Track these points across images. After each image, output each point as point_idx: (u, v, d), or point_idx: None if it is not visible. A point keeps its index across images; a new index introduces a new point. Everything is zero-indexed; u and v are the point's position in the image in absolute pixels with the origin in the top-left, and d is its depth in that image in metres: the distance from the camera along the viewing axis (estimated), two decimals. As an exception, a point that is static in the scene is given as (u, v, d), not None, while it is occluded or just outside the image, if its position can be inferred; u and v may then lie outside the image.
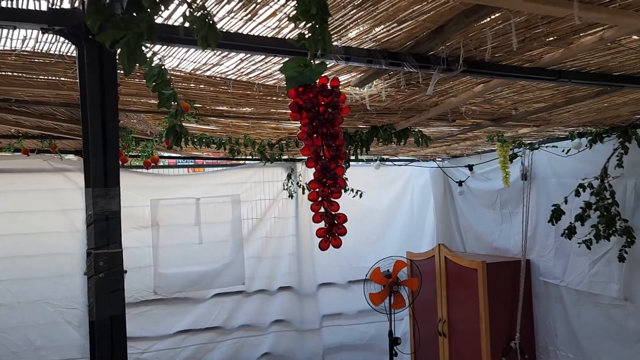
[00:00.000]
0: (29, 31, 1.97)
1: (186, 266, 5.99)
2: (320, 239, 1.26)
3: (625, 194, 4.30)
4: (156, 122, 3.68)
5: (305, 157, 1.27)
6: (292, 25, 1.83)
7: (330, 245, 1.26)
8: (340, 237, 1.25)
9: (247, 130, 4.07)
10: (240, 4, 1.73)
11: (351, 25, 1.86)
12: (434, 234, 6.77)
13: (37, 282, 5.39)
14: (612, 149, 4.35)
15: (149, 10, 1.35)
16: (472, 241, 6.34)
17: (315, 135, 1.24)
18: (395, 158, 6.49)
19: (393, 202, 6.91)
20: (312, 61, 1.19)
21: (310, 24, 1.20)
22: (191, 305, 6.08)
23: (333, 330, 6.56)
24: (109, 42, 1.33)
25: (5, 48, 2.17)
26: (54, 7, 1.68)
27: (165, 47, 2.17)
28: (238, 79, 2.57)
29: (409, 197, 7.01)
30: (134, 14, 1.36)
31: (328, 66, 2.37)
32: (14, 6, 1.69)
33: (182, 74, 2.52)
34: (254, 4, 1.73)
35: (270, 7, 1.75)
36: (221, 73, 2.50)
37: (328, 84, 1.25)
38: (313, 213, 1.27)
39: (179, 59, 2.33)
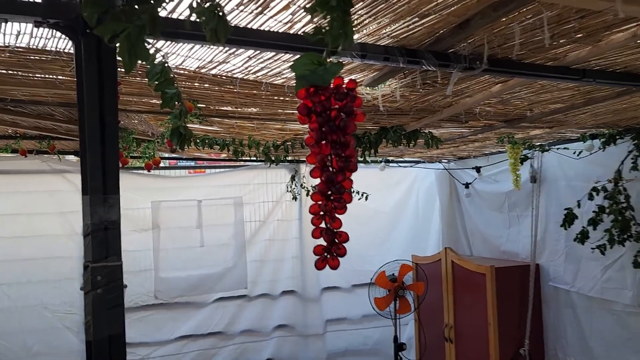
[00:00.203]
0: (23, 25, 1.85)
1: (187, 270, 5.88)
2: (317, 257, 1.13)
3: (640, 198, 4.18)
4: (158, 122, 3.56)
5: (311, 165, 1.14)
6: (307, 18, 1.70)
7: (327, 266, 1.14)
8: (339, 257, 1.13)
9: (251, 131, 3.95)
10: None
11: (368, 19, 1.74)
12: (439, 237, 6.66)
13: (35, 286, 5.28)
14: (626, 151, 4.23)
15: (151, 1, 1.22)
16: (479, 244, 6.22)
17: (324, 142, 1.11)
18: (401, 159, 6.37)
19: (398, 204, 6.79)
20: (327, 59, 1.06)
21: (329, 17, 1.08)
22: (192, 310, 5.97)
23: (337, 335, 6.45)
24: (108, 35, 1.21)
25: (-1, 44, 2.05)
26: (48, -2, 1.56)
27: (168, 43, 2.04)
28: (245, 77, 2.45)
29: (414, 199, 6.89)
30: (136, 6, 1.24)
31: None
32: (6, -3, 1.56)
33: (186, 72, 2.39)
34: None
35: (283, -1, 1.63)
36: (227, 71, 2.37)
37: (343, 86, 1.12)
38: (314, 227, 1.14)
39: (183, 57, 2.20)
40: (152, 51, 1.62)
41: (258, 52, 2.05)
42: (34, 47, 2.08)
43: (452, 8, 1.65)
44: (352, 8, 1.09)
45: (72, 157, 5.37)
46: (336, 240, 1.14)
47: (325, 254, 1.15)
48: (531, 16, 1.71)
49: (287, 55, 2.14)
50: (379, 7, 1.65)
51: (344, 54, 1.70)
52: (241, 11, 1.68)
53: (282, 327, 6.27)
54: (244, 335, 6.11)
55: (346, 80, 1.09)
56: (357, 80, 2.47)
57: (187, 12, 1.73)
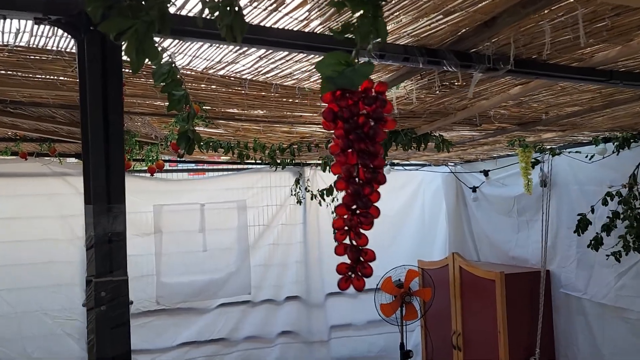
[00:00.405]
0: (22, 23, 1.75)
1: (190, 275, 5.78)
2: (340, 277, 1.03)
3: (656, 203, 4.08)
4: (162, 125, 3.46)
5: (335, 175, 1.03)
6: (324, 16, 1.60)
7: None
8: (365, 278, 1.02)
9: (257, 134, 3.85)
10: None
11: (390, 16, 1.63)
12: (445, 242, 6.55)
13: (35, 291, 5.19)
14: (641, 155, 4.13)
15: (161, -4, 1.12)
16: (487, 249, 6.11)
17: (349, 150, 1.01)
18: (407, 162, 6.26)
19: (404, 208, 6.68)
20: (355, 59, 0.95)
21: (359, 11, 0.97)
22: (195, 316, 5.87)
23: (342, 342, 6.35)
24: (114, 32, 1.10)
25: (-3, 43, 1.95)
26: (49, -7, 1.45)
27: (175, 42, 1.94)
28: (254, 78, 2.34)
29: (420, 203, 6.78)
30: (143, 1, 1.14)
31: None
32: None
33: (193, 73, 2.29)
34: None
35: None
36: (236, 72, 2.27)
37: (372, 89, 1.01)
38: (336, 243, 1.03)
39: (190, 57, 2.10)
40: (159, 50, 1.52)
41: (270, 52, 1.95)
42: (34, 46, 1.98)
43: (480, 5, 1.55)
44: (384, 2, 0.98)
45: (73, 160, 5.27)
46: (362, 259, 1.04)
47: (350, 273, 1.05)
48: (563, 14, 1.61)
49: (300, 56, 2.04)
50: (403, 4, 1.55)
51: (361, 54, 1.59)
52: (254, 7, 1.57)
53: (286, 333, 6.17)
54: (248, 342, 6.01)
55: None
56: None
57: (197, 9, 1.63)
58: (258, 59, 2.07)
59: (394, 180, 6.47)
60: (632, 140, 4.20)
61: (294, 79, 2.34)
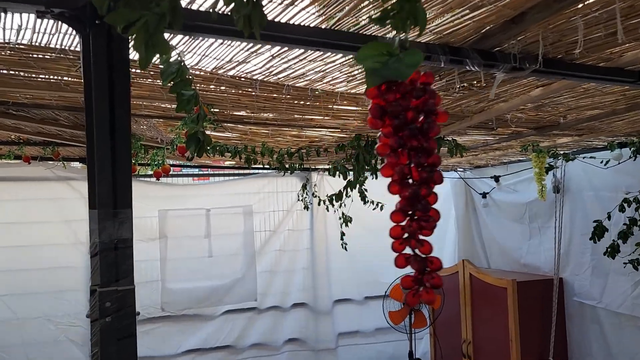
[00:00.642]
0: (24, 18, 1.66)
1: (195, 281, 5.70)
2: (407, 291, 0.92)
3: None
4: (168, 128, 3.37)
5: (387, 177, 0.94)
6: (343, 10, 1.51)
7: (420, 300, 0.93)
8: (434, 289, 0.92)
9: (265, 138, 3.76)
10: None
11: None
12: (455, 248, 6.45)
13: (38, 297, 5.14)
14: (658, 160, 4.02)
15: (172, -13, 1.03)
16: (497, 256, 6.00)
17: (400, 150, 0.91)
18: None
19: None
20: (399, 49, 0.86)
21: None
22: (200, 323, 5.79)
23: (349, 350, 6.25)
24: (121, 25, 1.01)
25: (-2, 40, 1.86)
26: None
27: (184, 40, 1.86)
28: (265, 79, 2.25)
29: (429, 209, 6.66)
30: (152, -8, 1.05)
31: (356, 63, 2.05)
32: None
33: (202, 73, 2.20)
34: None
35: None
36: (247, 72, 2.18)
37: (417, 81, 0.92)
38: (396, 254, 0.94)
39: (199, 55, 2.01)
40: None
41: (284, 50, 1.86)
42: (37, 44, 1.89)
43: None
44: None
45: (77, 164, 5.21)
46: (427, 268, 0.93)
47: (417, 287, 0.94)
48: (597, 8, 1.51)
49: (314, 55, 1.95)
50: (428, -2, 1.46)
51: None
52: (270, 1, 1.48)
53: (293, 340, 6.08)
54: (254, 349, 5.92)
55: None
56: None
57: (208, 3, 1.54)
58: (270, 57, 1.98)
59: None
60: (649, 145, 4.10)
61: (306, 80, 2.25)
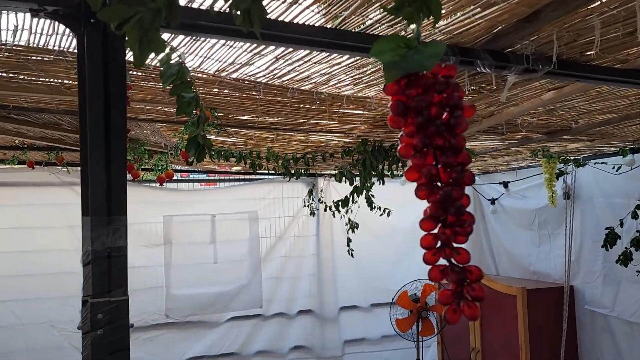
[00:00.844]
0: (20, 18, 1.61)
1: (200, 287, 5.64)
2: (446, 306, 0.83)
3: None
4: (172, 133, 3.32)
5: (413, 182, 0.86)
6: (348, 9, 1.45)
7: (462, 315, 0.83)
8: (477, 302, 0.82)
9: (270, 143, 3.70)
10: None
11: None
12: (463, 255, 6.34)
13: (42, 303, 5.08)
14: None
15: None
16: (506, 263, 5.91)
17: (425, 149, 0.83)
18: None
19: (419, 220, 6.48)
20: (417, 40, 0.79)
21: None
22: (205, 330, 5.72)
23: (356, 358, 6.16)
24: (115, 21, 0.95)
25: (-5, 42, 1.82)
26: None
27: (185, 41, 1.80)
28: (269, 82, 2.20)
29: (436, 215, 6.58)
30: (148, -13, 0.99)
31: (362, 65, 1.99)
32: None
33: (204, 75, 2.14)
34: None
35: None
36: (250, 75, 2.12)
37: (439, 74, 0.85)
38: (430, 266, 0.84)
39: (201, 57, 1.95)
40: (167, 49, 1.38)
41: (288, 51, 1.80)
42: (34, 45, 1.84)
43: (523, -4, 1.39)
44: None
45: (81, 169, 5.17)
46: (466, 280, 0.84)
47: (457, 301, 0.84)
48: (616, 6, 1.44)
49: (319, 57, 1.89)
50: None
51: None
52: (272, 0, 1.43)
53: (298, 348, 6.00)
54: (259, 357, 5.85)
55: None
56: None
57: (208, 2, 1.48)
58: (274, 59, 1.93)
59: (409, 192, 6.20)
60: (662, 151, 4.02)
61: (311, 83, 2.19)
